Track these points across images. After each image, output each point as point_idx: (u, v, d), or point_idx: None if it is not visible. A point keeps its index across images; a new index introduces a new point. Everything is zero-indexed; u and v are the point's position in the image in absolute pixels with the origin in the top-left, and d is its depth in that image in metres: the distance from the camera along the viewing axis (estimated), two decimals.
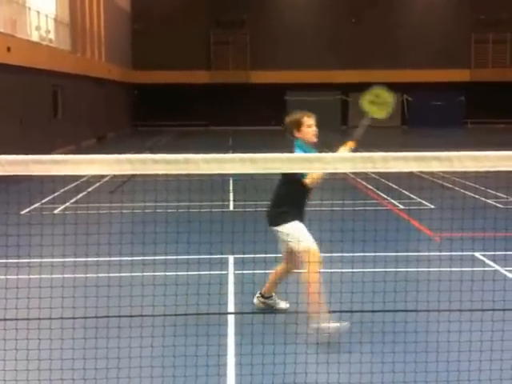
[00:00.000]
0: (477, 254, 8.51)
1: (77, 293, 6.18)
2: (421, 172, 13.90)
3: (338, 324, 5.86)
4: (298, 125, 6.07)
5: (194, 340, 5.47)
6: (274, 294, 6.63)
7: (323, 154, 3.93)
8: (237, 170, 3.91)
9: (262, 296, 6.62)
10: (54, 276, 6.83)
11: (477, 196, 13.49)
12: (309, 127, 6.06)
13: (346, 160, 3.91)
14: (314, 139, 6.11)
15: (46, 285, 6.20)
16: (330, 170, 3.98)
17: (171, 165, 3.79)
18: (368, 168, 3.91)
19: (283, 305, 6.63)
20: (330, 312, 5.96)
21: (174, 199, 9.61)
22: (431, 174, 15.55)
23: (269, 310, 6.55)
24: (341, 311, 6.21)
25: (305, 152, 5.87)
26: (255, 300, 6.65)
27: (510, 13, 45.93)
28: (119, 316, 6.11)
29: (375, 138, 33.70)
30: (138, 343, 5.33)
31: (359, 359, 5.10)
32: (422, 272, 7.64)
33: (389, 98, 6.09)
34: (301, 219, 6.12)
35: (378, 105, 5.99)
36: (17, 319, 5.68)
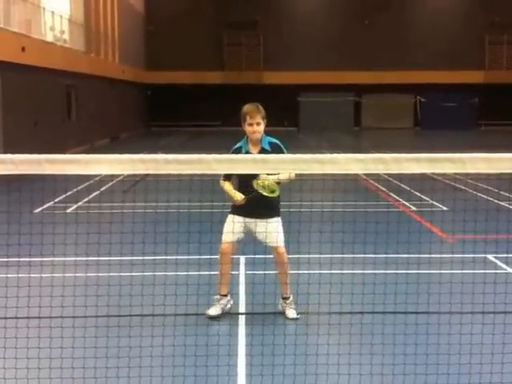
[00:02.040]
0: (489, 257, 8.46)
1: (88, 292, 6.21)
2: (433, 173, 13.85)
3: (212, 312, 6.32)
4: (242, 120, 6.37)
5: (204, 340, 5.47)
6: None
7: (335, 155, 3.91)
8: (249, 170, 3.91)
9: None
10: (66, 275, 6.86)
11: (489, 198, 13.42)
12: (249, 125, 6.31)
13: (357, 161, 3.89)
14: (253, 136, 6.33)
15: (57, 283, 6.23)
16: (341, 170, 3.96)
17: (184, 165, 3.80)
18: (380, 169, 3.90)
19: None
20: (223, 297, 6.39)
21: (187, 199, 9.63)
22: (443, 175, 15.48)
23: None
24: (351, 312, 6.20)
25: (240, 146, 6.37)
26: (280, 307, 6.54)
27: None
28: (130, 315, 6.13)
29: (388, 140, 33.68)
30: (149, 342, 5.34)
31: (370, 361, 5.09)
32: (434, 274, 7.61)
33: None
34: (241, 213, 6.29)
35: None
36: (28, 317, 5.71)
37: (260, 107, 6.39)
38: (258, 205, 6.17)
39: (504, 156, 3.86)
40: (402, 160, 3.85)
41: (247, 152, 6.26)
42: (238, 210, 6.32)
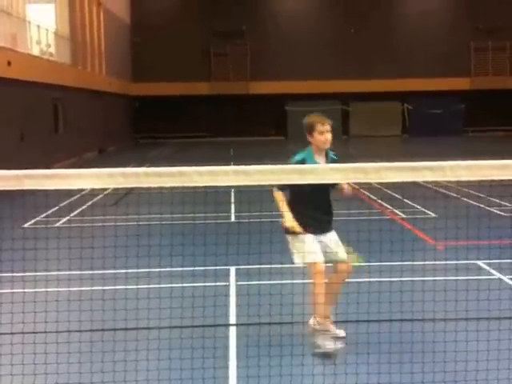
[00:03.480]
0: (481, 263, 8.43)
1: (71, 306, 6.15)
2: (424, 181, 13.84)
3: (333, 345, 5.74)
4: (310, 129, 5.99)
5: (189, 353, 5.41)
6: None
7: (315, 166, 3.91)
8: (231, 182, 3.88)
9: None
10: (48, 289, 6.79)
11: (480, 205, 13.44)
12: (320, 134, 5.94)
13: (337, 171, 3.88)
14: (325, 146, 5.98)
15: (40, 299, 6.16)
16: (321, 180, 3.95)
17: (164, 178, 3.77)
18: (360, 178, 3.88)
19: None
20: (331, 328, 5.91)
21: (174, 211, 9.58)
22: (434, 183, 15.49)
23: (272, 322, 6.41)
24: (346, 321, 6.15)
25: (304, 158, 5.88)
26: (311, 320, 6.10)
27: (508, 20, 45.98)
28: (114, 329, 6.07)
29: (376, 148, 33.74)
30: (134, 356, 5.28)
31: (366, 370, 5.05)
32: (424, 281, 7.57)
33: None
34: (316, 230, 5.84)
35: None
36: (12, 333, 5.65)
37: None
38: (323, 218, 5.82)
39: (484, 163, 3.85)
40: (382, 169, 3.83)
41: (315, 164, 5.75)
42: (308, 225, 5.73)
